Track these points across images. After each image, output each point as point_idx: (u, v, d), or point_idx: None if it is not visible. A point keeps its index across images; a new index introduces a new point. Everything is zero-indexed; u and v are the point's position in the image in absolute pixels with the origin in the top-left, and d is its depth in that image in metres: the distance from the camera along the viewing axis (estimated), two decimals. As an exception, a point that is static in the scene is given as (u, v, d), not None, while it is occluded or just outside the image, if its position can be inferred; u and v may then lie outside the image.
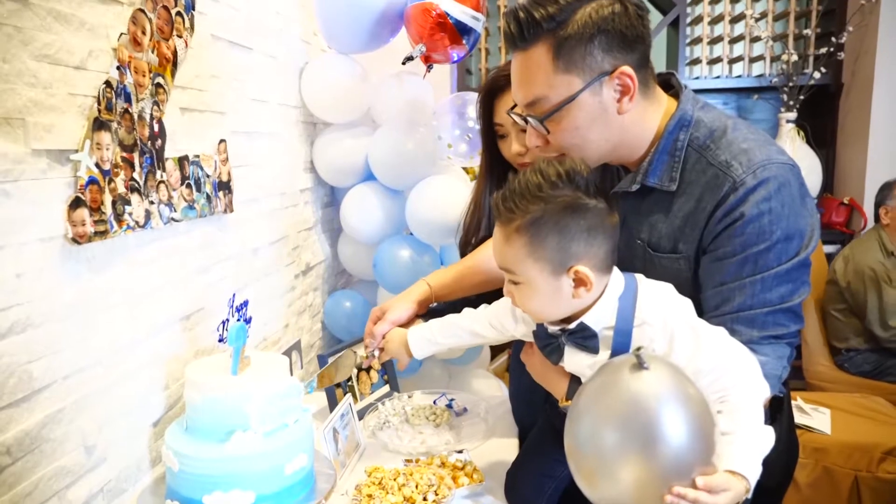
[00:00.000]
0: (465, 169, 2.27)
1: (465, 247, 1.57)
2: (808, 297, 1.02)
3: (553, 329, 1.01)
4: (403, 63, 1.84)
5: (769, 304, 0.98)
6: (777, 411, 1.13)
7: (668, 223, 1.06)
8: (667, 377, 0.84)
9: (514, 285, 0.98)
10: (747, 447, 0.88)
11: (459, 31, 1.79)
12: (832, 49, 3.14)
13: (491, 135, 1.45)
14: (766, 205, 0.95)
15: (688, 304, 0.98)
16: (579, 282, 0.94)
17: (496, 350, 2.58)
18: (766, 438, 0.89)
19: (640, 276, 1.00)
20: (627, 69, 0.99)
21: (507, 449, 1.44)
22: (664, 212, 1.06)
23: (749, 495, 0.87)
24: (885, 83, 3.09)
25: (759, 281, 0.97)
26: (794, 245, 0.97)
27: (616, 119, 1.03)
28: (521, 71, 1.04)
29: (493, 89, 1.42)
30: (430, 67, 1.92)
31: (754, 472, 0.86)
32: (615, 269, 0.99)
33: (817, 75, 3.19)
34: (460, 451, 1.34)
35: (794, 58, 3.22)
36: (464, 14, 1.78)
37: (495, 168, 1.49)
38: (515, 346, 1.65)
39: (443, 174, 2.03)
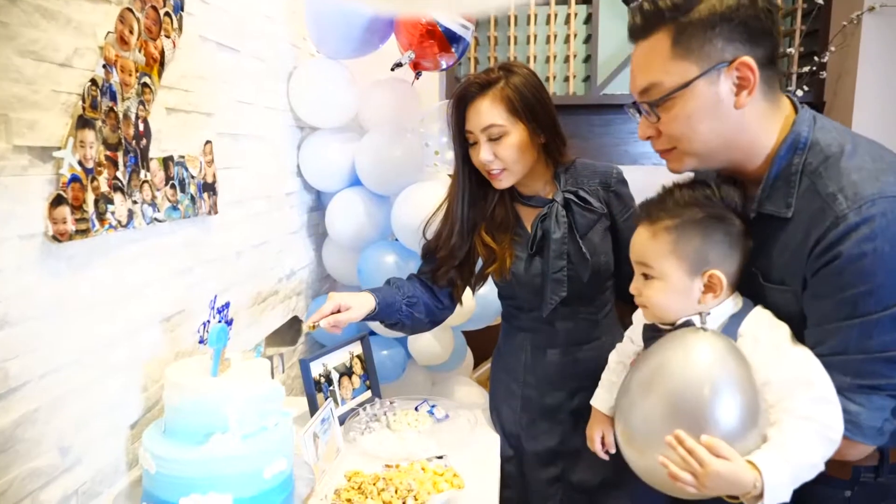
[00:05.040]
0: (451, 176, 2.27)
1: (432, 253, 1.54)
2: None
3: (663, 326, 1.07)
4: (392, 69, 1.85)
5: (867, 351, 0.91)
6: None
7: (778, 253, 1.01)
8: (725, 347, 0.94)
9: (646, 280, 1.05)
10: (780, 455, 0.89)
11: (448, 40, 1.81)
12: (815, 68, 3.20)
13: (463, 143, 1.45)
14: (870, 245, 0.88)
15: (784, 327, 0.99)
16: (710, 286, 1.00)
17: (480, 358, 2.58)
18: (807, 467, 0.90)
19: (759, 306, 1.03)
20: (748, 60, 0.94)
21: (487, 456, 1.45)
22: (776, 240, 1.01)
23: (763, 501, 0.87)
24: (866, 102, 3.14)
25: (857, 326, 0.91)
26: None
27: (732, 114, 0.98)
28: (639, 59, 1.02)
29: (464, 97, 1.41)
30: (418, 74, 1.93)
31: (774, 477, 0.87)
32: (738, 293, 1.04)
33: (800, 93, 3.24)
34: (440, 457, 1.34)
35: (778, 75, 3.28)
36: (453, 22, 1.79)
37: (469, 176, 1.48)
38: (496, 353, 1.66)
39: (429, 181, 2.03)
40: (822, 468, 0.91)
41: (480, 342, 2.42)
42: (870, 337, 0.90)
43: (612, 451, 1.28)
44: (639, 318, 1.19)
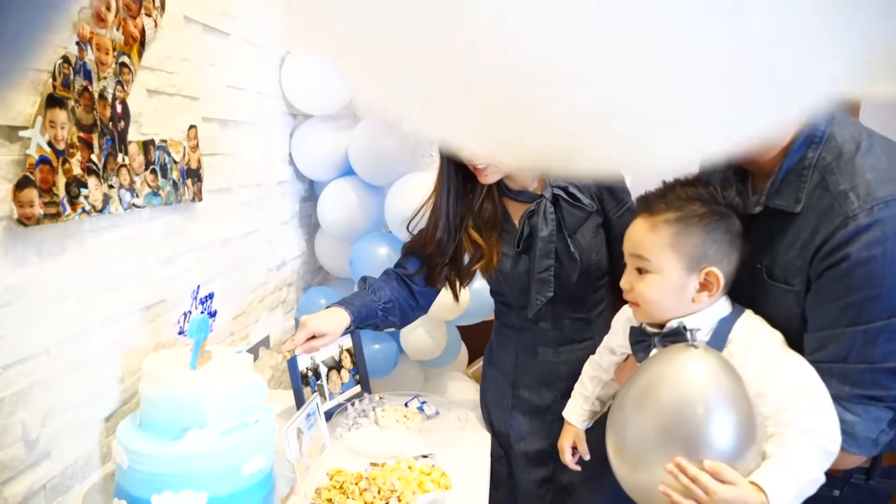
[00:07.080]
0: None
1: (421, 250, 1.48)
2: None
3: (651, 329, 1.03)
4: (386, 56, 1.80)
5: (870, 360, 0.87)
6: None
7: (784, 249, 0.97)
8: (717, 363, 0.89)
9: (640, 275, 1.00)
10: (783, 473, 0.86)
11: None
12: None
13: None
14: (879, 248, 0.84)
15: (776, 335, 0.96)
16: (706, 284, 0.96)
17: (475, 353, 2.53)
18: (809, 482, 0.86)
19: (749, 311, 1.00)
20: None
21: (477, 455, 1.40)
22: (782, 236, 0.97)
23: None
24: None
25: (860, 332, 0.87)
26: None
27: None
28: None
29: None
30: (414, 62, 1.88)
31: (779, 497, 0.84)
32: (727, 296, 1.01)
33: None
34: (426, 456, 1.30)
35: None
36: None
37: (455, 171, 1.41)
38: (488, 350, 1.61)
39: (424, 171, 1.99)
40: (823, 481, 0.87)
41: (476, 337, 2.38)
42: (873, 345, 0.86)
43: (587, 458, 1.27)
44: (619, 324, 1.15)
